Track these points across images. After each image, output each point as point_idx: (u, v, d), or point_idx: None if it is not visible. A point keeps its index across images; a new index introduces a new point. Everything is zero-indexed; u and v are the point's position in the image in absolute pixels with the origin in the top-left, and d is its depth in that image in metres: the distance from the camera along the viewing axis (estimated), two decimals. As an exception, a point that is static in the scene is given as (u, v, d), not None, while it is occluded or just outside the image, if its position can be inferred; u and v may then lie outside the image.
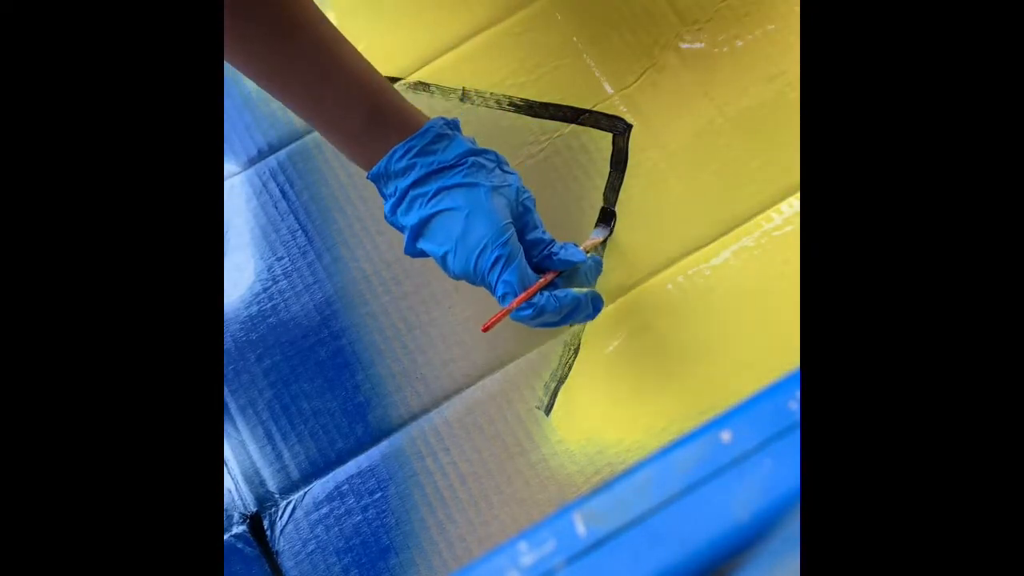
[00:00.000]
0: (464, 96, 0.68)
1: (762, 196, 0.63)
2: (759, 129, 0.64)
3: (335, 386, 0.63)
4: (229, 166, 0.69)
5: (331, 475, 0.61)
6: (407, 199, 0.52)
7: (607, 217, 0.63)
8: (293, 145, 0.68)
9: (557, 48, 0.68)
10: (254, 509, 0.61)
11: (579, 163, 0.65)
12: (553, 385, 0.61)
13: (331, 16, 0.72)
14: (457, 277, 0.53)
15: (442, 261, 0.53)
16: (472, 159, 0.53)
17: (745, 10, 0.67)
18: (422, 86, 0.68)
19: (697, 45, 0.67)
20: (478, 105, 0.67)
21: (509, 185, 0.53)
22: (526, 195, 0.54)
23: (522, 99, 0.67)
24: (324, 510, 0.60)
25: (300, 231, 0.66)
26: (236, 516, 0.61)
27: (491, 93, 0.68)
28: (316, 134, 0.68)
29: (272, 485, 0.61)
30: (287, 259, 0.66)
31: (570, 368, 0.61)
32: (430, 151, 0.52)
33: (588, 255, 0.57)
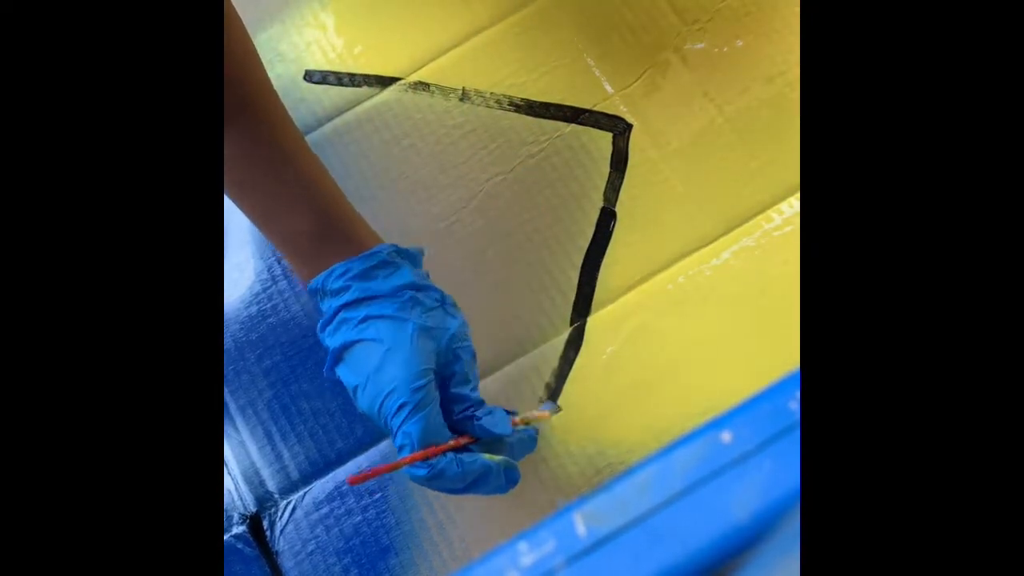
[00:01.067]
0: (464, 96, 0.68)
1: (762, 196, 0.63)
2: (759, 129, 0.64)
3: (335, 386, 0.63)
4: (229, 166, 0.69)
5: (331, 475, 0.61)
6: (336, 320, 0.50)
7: (554, 394, 0.60)
8: (293, 145, 0.68)
9: (557, 48, 0.68)
10: (254, 509, 0.61)
11: (579, 163, 0.65)
12: (554, 385, 0.61)
13: (330, 17, 0.72)
14: (364, 417, 0.50)
15: (353, 394, 0.50)
16: (411, 293, 0.50)
17: (745, 10, 0.67)
18: (422, 86, 0.68)
19: (697, 45, 0.67)
20: (478, 105, 0.67)
21: (445, 328, 0.50)
22: (462, 344, 0.51)
23: (522, 99, 0.67)
24: (324, 510, 0.60)
25: (300, 231, 0.66)
26: (236, 516, 0.61)
27: (491, 93, 0.68)
28: (316, 134, 0.68)
29: (272, 485, 0.61)
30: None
31: (571, 367, 0.61)
32: (369, 276, 0.50)
33: (519, 428, 0.53)
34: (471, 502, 0.59)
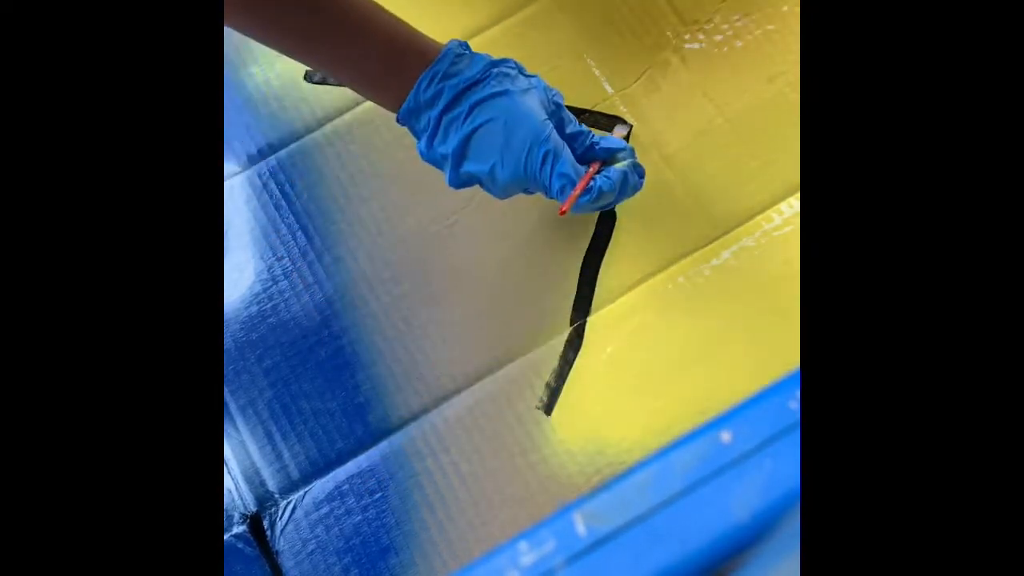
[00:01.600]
0: (464, 96, 0.68)
1: (762, 196, 0.63)
2: (759, 129, 0.64)
3: (335, 386, 0.63)
4: (229, 166, 0.69)
5: (331, 475, 0.61)
6: (442, 127, 0.53)
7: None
8: (293, 145, 0.68)
9: (557, 48, 0.68)
10: (254, 509, 0.61)
11: (579, 163, 0.65)
12: (554, 385, 0.61)
13: (331, 16, 0.72)
14: (507, 189, 0.54)
15: (490, 177, 0.53)
16: (495, 70, 0.53)
17: (745, 11, 0.67)
18: (422, 86, 0.68)
19: (697, 45, 0.67)
20: (478, 105, 0.67)
21: (535, 87, 0.54)
22: (554, 92, 0.55)
23: (522, 99, 0.67)
24: (324, 510, 0.60)
25: (300, 231, 0.66)
26: (236, 516, 0.61)
27: (491, 93, 0.68)
28: (316, 134, 0.68)
29: (272, 485, 0.61)
30: (287, 259, 0.66)
31: (570, 368, 0.61)
32: (454, 73, 0.53)
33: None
34: (471, 501, 0.59)
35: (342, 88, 0.69)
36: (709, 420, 0.25)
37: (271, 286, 0.65)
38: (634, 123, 0.66)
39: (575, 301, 0.63)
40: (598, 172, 0.55)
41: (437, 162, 0.55)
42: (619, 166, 0.56)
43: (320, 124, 0.69)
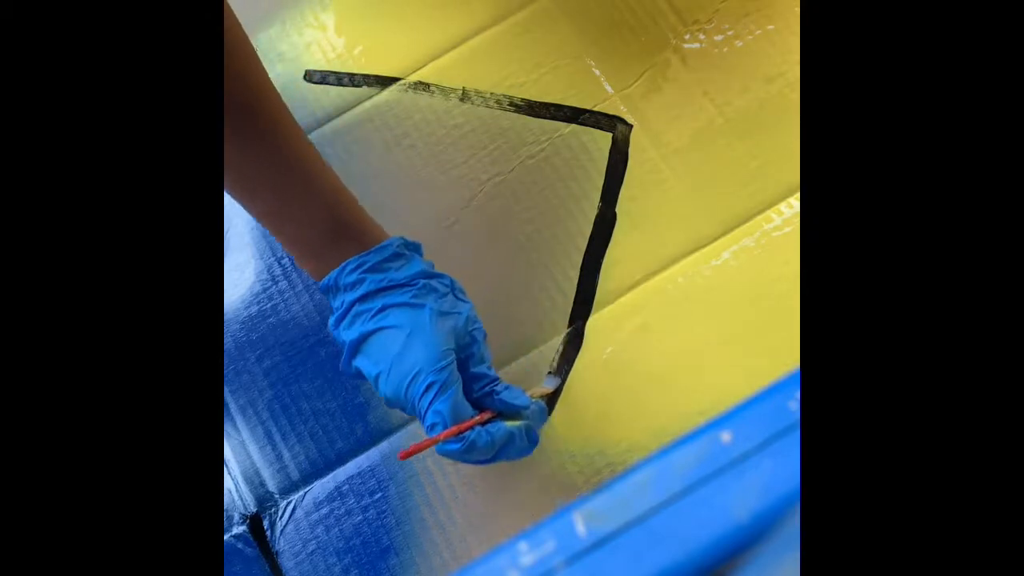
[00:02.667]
0: (464, 96, 0.68)
1: (762, 196, 0.63)
2: (759, 129, 0.64)
3: (335, 386, 0.63)
4: (229, 166, 0.69)
5: (331, 475, 0.61)
6: (351, 314, 0.51)
7: (553, 393, 0.60)
8: (293, 145, 0.68)
9: (557, 48, 0.68)
10: (254, 509, 0.61)
11: (579, 163, 0.65)
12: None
13: (331, 17, 0.72)
14: (389, 401, 0.51)
15: (375, 382, 0.51)
16: (424, 281, 0.52)
17: (745, 10, 0.67)
18: (422, 86, 0.68)
19: (697, 45, 0.67)
20: (478, 105, 0.67)
21: (459, 313, 0.52)
22: (476, 326, 0.53)
23: (522, 99, 0.67)
24: (324, 510, 0.60)
25: (300, 231, 0.66)
26: (236, 516, 0.61)
27: (491, 93, 0.68)
28: (315, 134, 0.68)
29: (272, 485, 0.61)
30: (287, 259, 0.66)
31: (570, 368, 0.61)
32: (382, 268, 0.51)
33: (533, 401, 0.54)
34: (471, 501, 0.59)
35: (341, 88, 0.69)
36: (709, 420, 0.25)
37: (271, 286, 0.65)
38: (634, 123, 0.66)
39: (575, 302, 0.63)
40: (486, 423, 0.51)
41: (338, 343, 0.53)
42: (511, 424, 0.51)
43: (320, 124, 0.69)
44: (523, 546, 0.24)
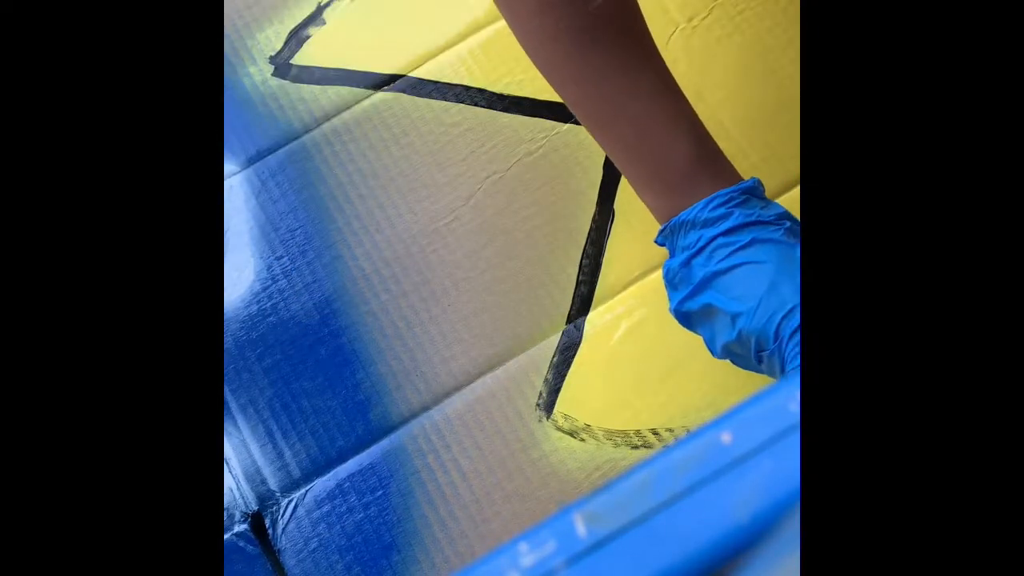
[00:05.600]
0: (462, 94, 0.68)
1: (761, 191, 0.63)
2: (758, 124, 0.64)
3: (335, 384, 0.63)
4: (228, 166, 0.69)
5: (332, 473, 0.61)
6: (710, 247, 0.47)
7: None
8: (292, 144, 0.68)
9: (555, 44, 0.68)
10: (255, 507, 0.61)
11: (577, 160, 0.65)
12: (553, 381, 0.61)
13: (329, 15, 0.72)
14: (729, 347, 0.48)
15: (731, 320, 0.47)
16: (789, 223, 0.48)
17: (744, 4, 0.67)
18: (420, 84, 0.68)
19: (696, 40, 0.67)
20: (476, 103, 0.67)
21: None
22: None
23: (520, 97, 0.67)
24: (326, 508, 0.60)
25: (299, 230, 0.66)
26: (238, 515, 0.61)
27: (489, 91, 0.68)
28: (315, 133, 0.68)
29: (273, 483, 0.61)
30: (287, 258, 0.66)
31: (570, 364, 0.61)
32: (750, 204, 0.48)
33: None
34: (471, 497, 0.59)
35: (339, 88, 0.69)
36: (709, 420, 0.25)
37: (271, 285, 0.65)
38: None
39: (574, 297, 0.63)
40: None
41: (676, 283, 0.49)
42: None
43: (318, 123, 0.69)
44: (523, 547, 0.24)
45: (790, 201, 0.62)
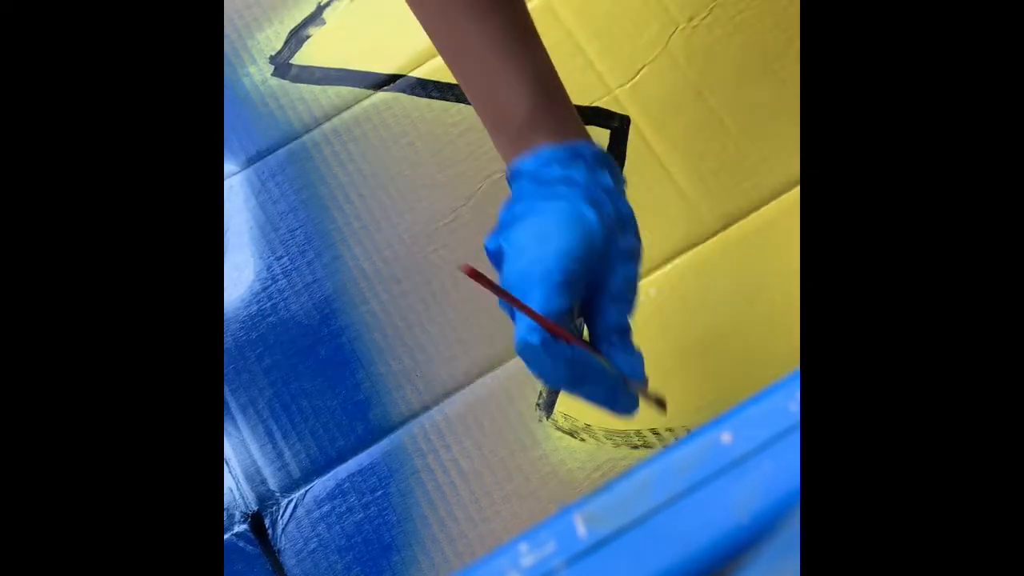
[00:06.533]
0: (462, 94, 0.68)
1: (762, 191, 0.63)
2: (758, 123, 0.64)
3: (335, 384, 0.63)
4: (228, 166, 0.69)
5: (332, 473, 0.61)
6: (524, 196, 0.48)
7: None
8: (292, 144, 0.68)
9: (556, 44, 0.68)
10: (255, 508, 0.61)
11: (578, 160, 0.65)
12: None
13: (329, 15, 0.72)
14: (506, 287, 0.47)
15: (502, 261, 0.48)
16: (597, 195, 0.48)
17: (744, 4, 0.67)
18: (420, 84, 0.68)
19: (697, 40, 0.67)
20: (477, 102, 0.67)
21: (614, 241, 0.48)
22: (626, 263, 0.48)
23: (521, 96, 0.67)
24: (325, 508, 0.60)
25: (299, 230, 0.66)
26: (237, 515, 0.61)
27: (489, 90, 0.67)
28: (314, 132, 0.68)
29: (273, 483, 0.61)
30: (286, 258, 0.66)
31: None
32: (570, 165, 0.48)
33: (643, 385, 0.48)
34: (471, 497, 0.59)
35: (339, 87, 0.69)
36: (708, 419, 0.25)
37: (270, 285, 0.65)
38: (633, 118, 0.65)
39: (575, 297, 0.63)
40: (585, 348, 0.45)
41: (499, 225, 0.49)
42: (607, 367, 0.45)
43: (318, 123, 0.69)
44: (523, 547, 0.25)
45: (790, 201, 0.62)
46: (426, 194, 0.66)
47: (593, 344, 0.47)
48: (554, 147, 0.49)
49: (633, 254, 0.49)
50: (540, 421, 0.60)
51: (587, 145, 0.50)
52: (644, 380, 0.47)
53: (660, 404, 0.50)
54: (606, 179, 0.49)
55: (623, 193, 0.50)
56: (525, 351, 0.44)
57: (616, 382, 0.46)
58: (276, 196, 0.67)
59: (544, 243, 0.46)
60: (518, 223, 0.48)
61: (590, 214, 0.47)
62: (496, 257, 0.49)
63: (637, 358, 0.48)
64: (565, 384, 0.45)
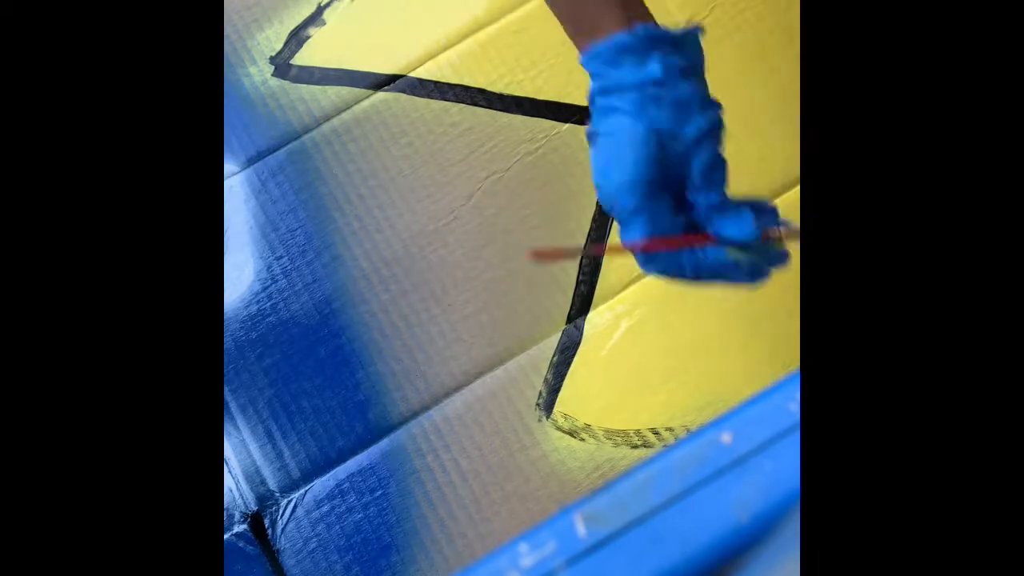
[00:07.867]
0: (462, 94, 0.68)
1: (762, 191, 0.63)
2: (758, 123, 0.64)
3: (335, 384, 0.63)
4: (228, 166, 0.69)
5: (332, 473, 0.61)
6: (594, 104, 0.49)
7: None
8: (292, 144, 0.68)
9: (554, 46, 0.68)
10: (255, 508, 0.61)
11: (576, 160, 0.65)
12: (553, 381, 0.61)
13: (329, 16, 0.72)
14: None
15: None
16: (654, 91, 0.48)
17: (745, 3, 0.67)
18: (420, 83, 0.68)
19: (695, 41, 0.67)
20: (476, 103, 0.67)
21: (682, 133, 0.47)
22: (703, 148, 0.47)
23: (520, 97, 0.67)
24: (325, 508, 0.60)
25: (299, 230, 0.66)
26: (237, 515, 0.61)
27: (489, 91, 0.68)
28: (314, 133, 0.68)
29: (273, 484, 0.61)
30: (286, 258, 0.66)
31: (570, 364, 0.61)
32: (618, 63, 0.49)
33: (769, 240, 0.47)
34: (471, 497, 0.59)
35: (339, 88, 0.69)
36: (709, 419, 0.25)
37: (270, 285, 0.65)
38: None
39: (574, 297, 0.63)
40: (699, 246, 0.46)
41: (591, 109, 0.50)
42: (730, 253, 0.46)
43: (318, 123, 0.69)
44: (523, 547, 0.24)
45: (790, 201, 0.62)
46: (426, 194, 0.66)
47: (699, 226, 0.47)
48: (599, 46, 0.48)
49: (702, 137, 0.48)
50: (540, 421, 0.60)
51: (635, 32, 0.49)
52: (761, 230, 0.47)
53: (794, 234, 0.48)
54: (655, 67, 0.49)
55: (687, 68, 0.50)
56: (647, 270, 0.46)
57: (742, 263, 0.47)
58: (276, 196, 0.67)
59: (612, 172, 0.47)
60: (594, 144, 0.48)
61: (647, 121, 0.47)
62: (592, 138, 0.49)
63: (745, 219, 0.47)
64: (692, 278, 0.47)
